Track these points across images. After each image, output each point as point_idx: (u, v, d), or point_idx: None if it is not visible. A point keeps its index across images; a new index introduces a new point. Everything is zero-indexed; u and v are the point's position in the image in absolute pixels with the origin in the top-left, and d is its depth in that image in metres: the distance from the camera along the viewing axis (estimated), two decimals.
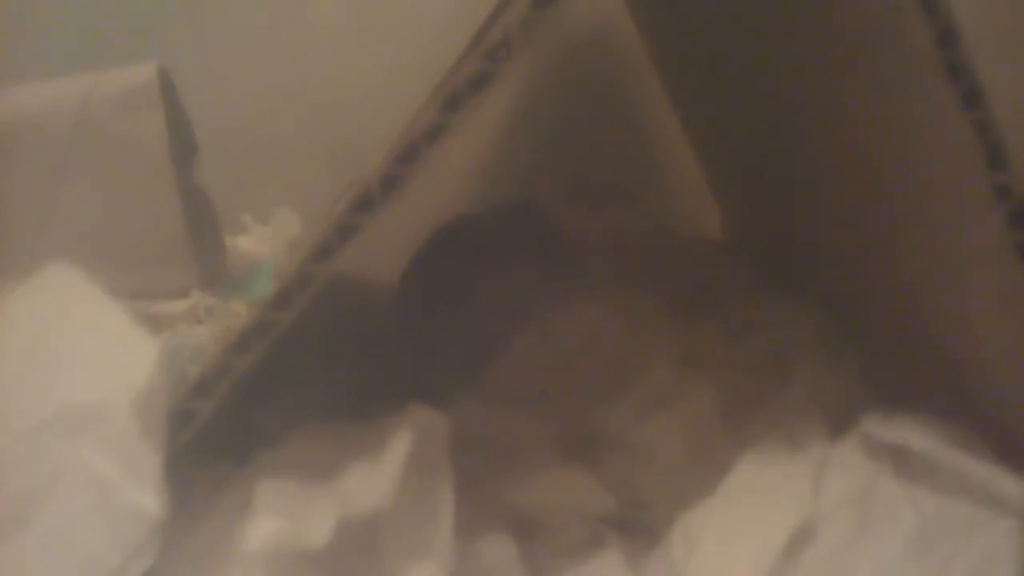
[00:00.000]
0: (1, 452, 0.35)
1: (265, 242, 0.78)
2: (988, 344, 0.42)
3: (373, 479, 0.37)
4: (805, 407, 0.46)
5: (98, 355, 0.38)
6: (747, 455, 0.44)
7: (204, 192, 0.73)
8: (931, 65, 0.35)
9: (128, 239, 0.67)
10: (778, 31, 0.48)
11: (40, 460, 0.34)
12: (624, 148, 0.81)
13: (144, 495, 0.34)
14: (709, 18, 0.56)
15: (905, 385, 0.46)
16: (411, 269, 0.62)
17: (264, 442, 0.39)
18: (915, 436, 0.41)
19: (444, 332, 0.56)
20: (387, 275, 0.63)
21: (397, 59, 0.76)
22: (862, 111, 0.43)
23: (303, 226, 0.78)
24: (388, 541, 0.37)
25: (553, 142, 0.79)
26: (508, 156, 0.80)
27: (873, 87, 0.41)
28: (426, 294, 0.60)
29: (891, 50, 0.39)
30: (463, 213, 0.65)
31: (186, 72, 0.70)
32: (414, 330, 0.59)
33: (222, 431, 0.39)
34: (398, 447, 0.38)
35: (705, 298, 0.58)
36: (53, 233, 0.66)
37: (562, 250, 0.62)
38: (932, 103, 0.36)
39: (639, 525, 0.44)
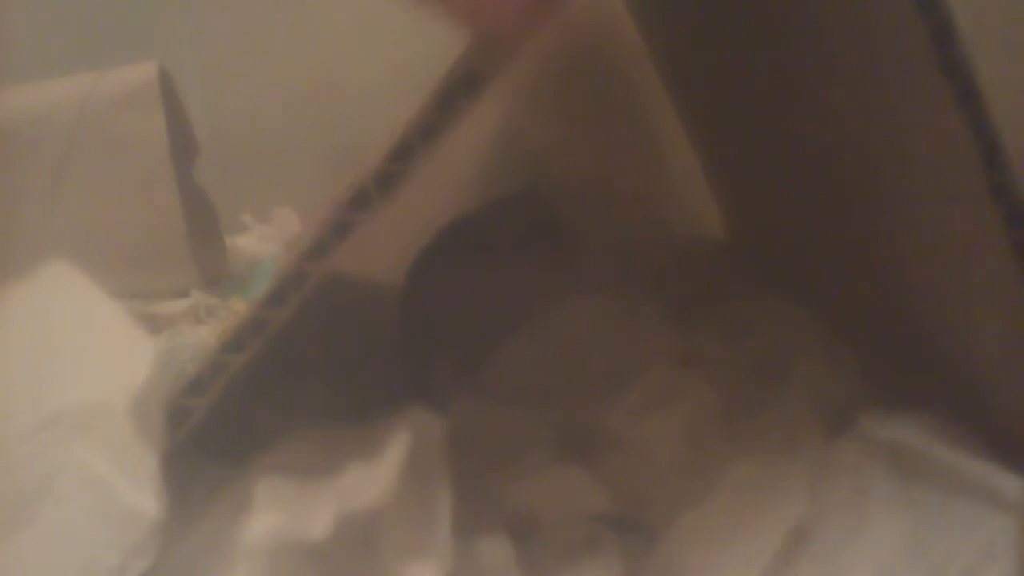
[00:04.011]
0: None
1: (265, 242, 0.78)
2: (987, 343, 0.42)
3: (371, 477, 0.37)
4: (803, 407, 0.46)
5: (95, 355, 0.38)
6: (745, 455, 0.44)
7: (204, 192, 0.73)
8: (926, 63, 0.35)
9: (128, 239, 0.67)
10: (776, 29, 0.48)
11: (37, 460, 0.34)
12: (624, 147, 0.81)
13: (142, 495, 0.34)
14: (707, 17, 0.56)
15: (904, 385, 0.46)
16: (415, 268, 0.62)
17: (263, 443, 0.39)
18: (912, 434, 0.40)
19: (445, 331, 0.56)
20: (388, 275, 0.64)
21: (397, 59, 0.76)
22: (859, 110, 0.43)
23: (303, 225, 0.78)
24: (386, 540, 0.37)
25: (552, 141, 0.79)
26: (507, 155, 0.80)
27: (870, 86, 0.41)
28: (429, 293, 0.60)
29: (887, 48, 0.38)
30: (468, 211, 0.65)
31: (186, 72, 0.70)
32: (416, 329, 0.59)
33: (220, 431, 0.39)
34: (396, 447, 0.38)
35: (705, 298, 0.58)
36: (53, 233, 0.66)
37: (562, 243, 0.61)
38: (928, 101, 0.36)
39: (636, 525, 0.44)
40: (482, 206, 0.65)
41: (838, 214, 0.52)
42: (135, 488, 0.34)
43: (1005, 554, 0.37)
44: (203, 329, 0.64)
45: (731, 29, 0.54)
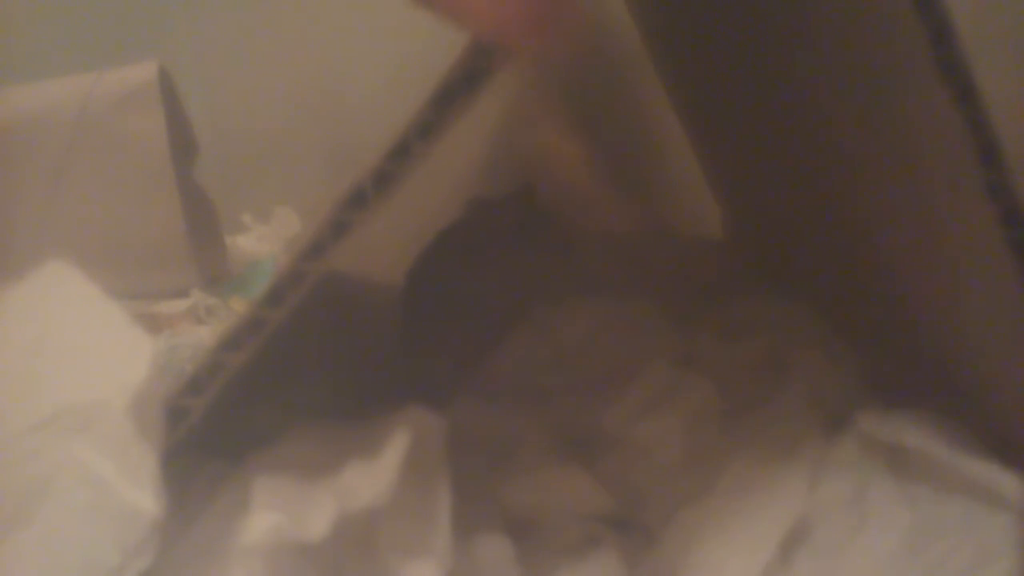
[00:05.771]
0: None
1: (265, 241, 0.79)
2: (986, 342, 0.42)
3: (371, 476, 0.37)
4: (802, 405, 0.46)
5: (94, 354, 0.38)
6: (743, 453, 0.44)
7: (204, 192, 0.73)
8: (925, 63, 0.35)
9: (128, 239, 0.68)
10: (775, 29, 0.49)
11: (37, 460, 0.34)
12: (623, 146, 0.81)
13: (142, 494, 0.34)
14: (707, 17, 0.56)
15: (903, 384, 0.46)
16: (415, 268, 0.62)
17: (261, 441, 0.39)
18: (910, 433, 0.40)
19: (445, 330, 0.56)
20: (388, 275, 0.64)
21: (397, 59, 0.76)
22: (858, 109, 0.43)
23: (303, 225, 0.78)
24: (386, 539, 0.37)
25: (552, 141, 0.80)
26: (507, 155, 0.80)
27: (868, 85, 0.41)
28: (429, 292, 0.60)
29: (886, 48, 0.38)
30: (467, 211, 0.65)
31: (186, 72, 0.70)
32: (416, 329, 0.59)
33: (219, 430, 0.39)
34: (396, 445, 0.38)
35: (705, 298, 0.58)
36: (53, 233, 0.66)
37: (560, 242, 0.61)
38: (926, 101, 0.36)
39: (636, 524, 0.44)
40: (480, 207, 0.65)
41: (837, 214, 0.52)
42: (135, 487, 0.34)
43: (1004, 553, 0.37)
44: (203, 329, 0.64)
45: (730, 29, 0.54)
